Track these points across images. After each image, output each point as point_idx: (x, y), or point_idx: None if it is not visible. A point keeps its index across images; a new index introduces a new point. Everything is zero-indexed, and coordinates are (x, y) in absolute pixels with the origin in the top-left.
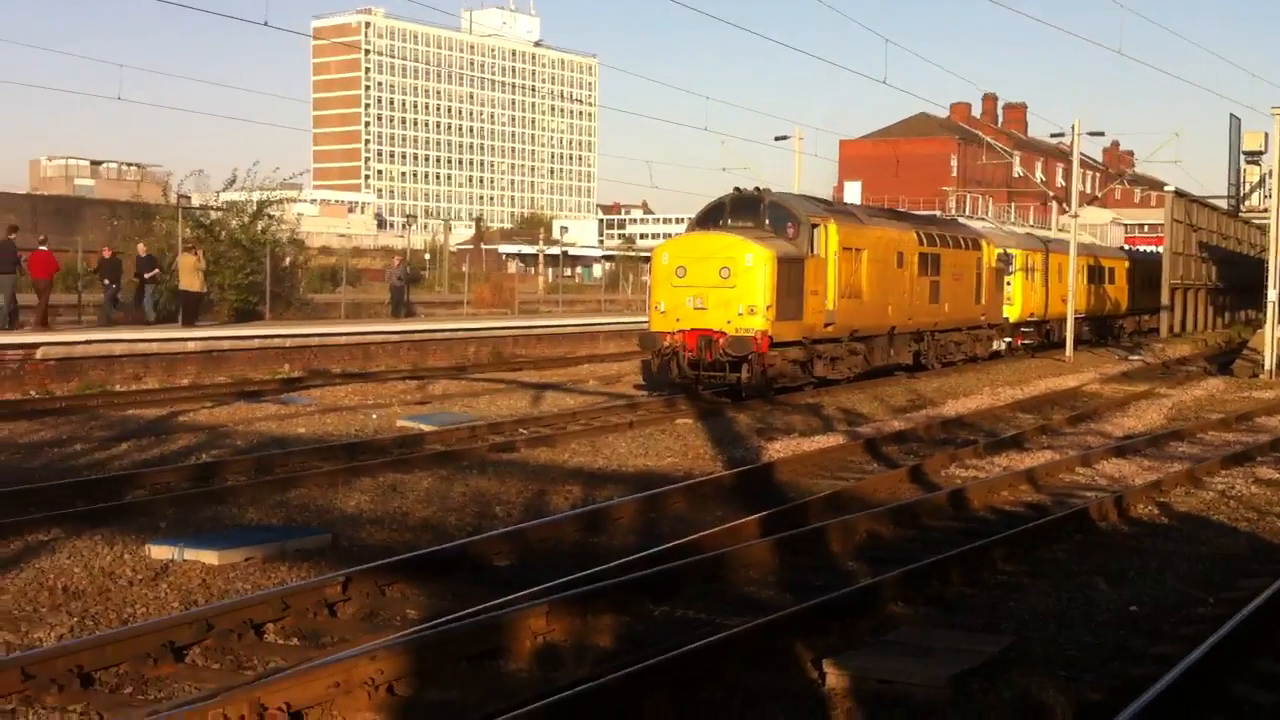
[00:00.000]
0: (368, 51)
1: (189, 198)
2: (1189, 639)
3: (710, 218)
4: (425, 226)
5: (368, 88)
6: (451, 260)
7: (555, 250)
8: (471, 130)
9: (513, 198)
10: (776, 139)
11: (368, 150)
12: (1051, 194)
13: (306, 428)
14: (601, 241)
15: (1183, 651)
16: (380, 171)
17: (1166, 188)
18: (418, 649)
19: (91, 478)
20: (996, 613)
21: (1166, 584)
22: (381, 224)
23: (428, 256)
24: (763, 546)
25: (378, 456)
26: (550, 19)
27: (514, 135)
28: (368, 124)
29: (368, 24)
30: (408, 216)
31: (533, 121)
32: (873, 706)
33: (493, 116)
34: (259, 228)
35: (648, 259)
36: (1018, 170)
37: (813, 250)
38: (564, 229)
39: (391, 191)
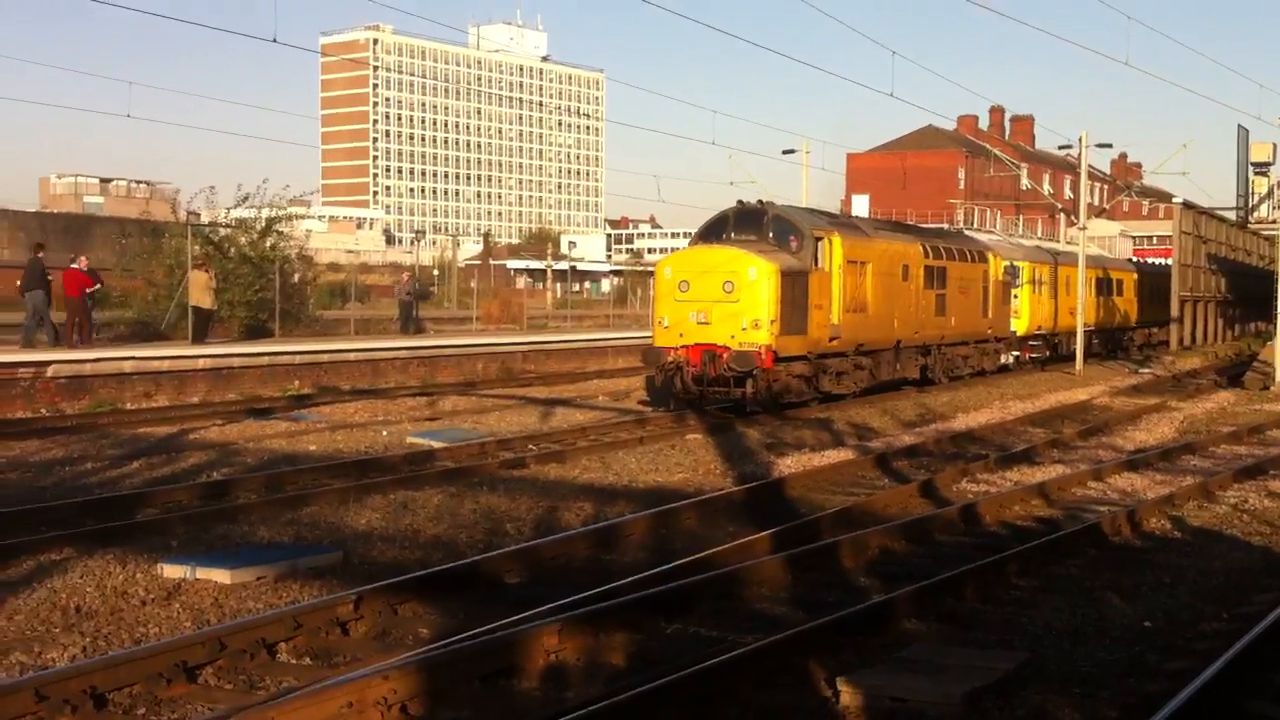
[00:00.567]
0: (376, 68)
1: (198, 215)
2: (1204, 655)
3: (713, 231)
4: (434, 242)
5: (376, 104)
6: (460, 276)
7: (563, 265)
8: (479, 145)
9: (520, 213)
10: (784, 152)
11: (376, 166)
12: (1059, 206)
13: (317, 445)
14: (609, 256)
15: (1198, 667)
16: (388, 187)
17: (1175, 199)
18: (430, 668)
19: (103, 496)
20: (1010, 629)
21: (1180, 599)
22: (390, 240)
23: (436, 272)
24: (775, 563)
25: (388, 473)
26: (557, 34)
27: (521, 150)
28: (376, 140)
29: (375, 40)
30: (416, 232)
31: (540, 136)
32: None
33: (500, 132)
34: (268, 244)
35: (654, 273)
36: (1025, 182)
37: (817, 263)
38: (572, 244)
39: (400, 207)
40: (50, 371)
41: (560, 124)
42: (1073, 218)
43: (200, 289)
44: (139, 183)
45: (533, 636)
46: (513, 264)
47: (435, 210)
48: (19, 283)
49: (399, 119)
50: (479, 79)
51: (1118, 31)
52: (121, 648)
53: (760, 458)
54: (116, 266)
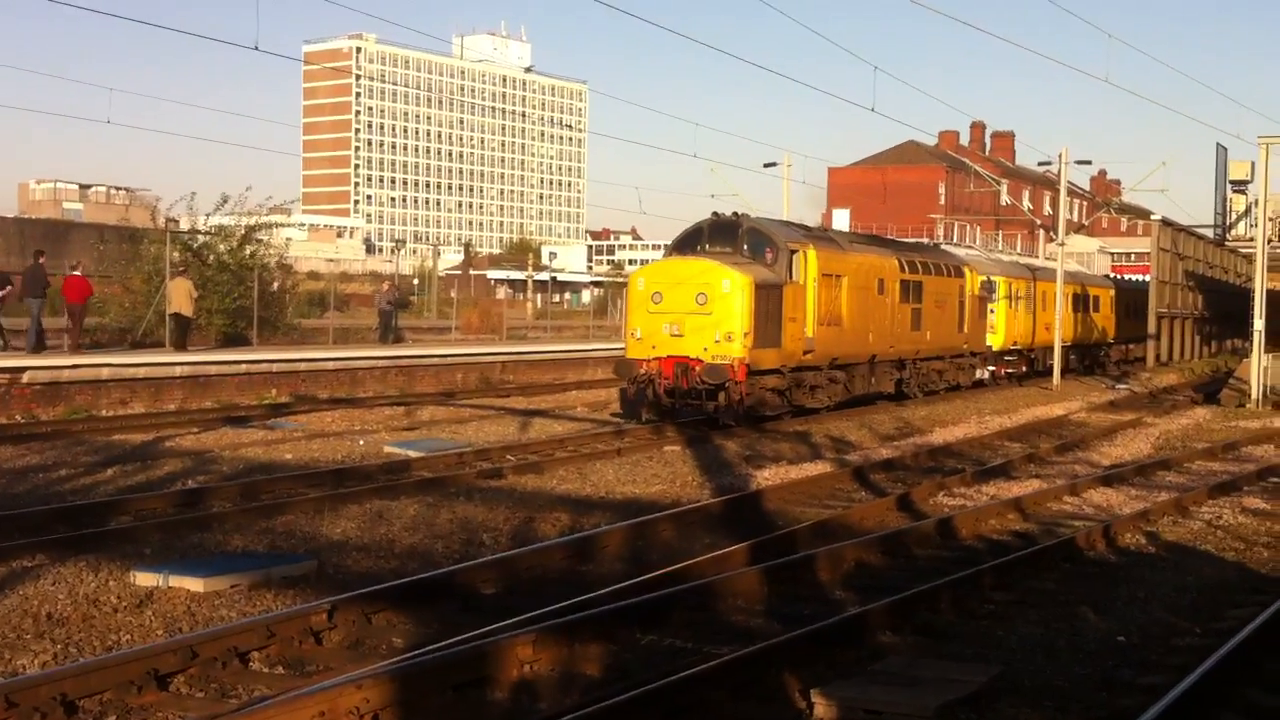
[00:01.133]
0: (358, 77)
1: (177, 221)
2: (1177, 669)
3: (688, 243)
4: (414, 251)
5: (358, 113)
6: (440, 286)
7: (544, 276)
8: (461, 155)
9: (502, 223)
10: (765, 165)
11: (357, 175)
12: (1039, 222)
13: (293, 454)
14: (590, 267)
15: (1171, 682)
16: (370, 196)
17: (1153, 216)
18: (403, 678)
19: (76, 503)
20: (985, 642)
21: (1154, 614)
22: (370, 249)
23: (416, 281)
24: (751, 575)
25: (364, 483)
26: (541, 45)
27: (504, 161)
28: (357, 149)
29: (359, 49)
30: (396, 241)
31: (522, 147)
32: None
33: (483, 142)
34: (247, 252)
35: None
36: (1005, 198)
37: (791, 276)
38: (553, 254)
39: (380, 216)
40: (26, 378)
41: (543, 135)
42: (1052, 233)
43: (183, 296)
44: (119, 189)
45: (507, 647)
46: (493, 274)
47: (416, 220)
48: (14, 287)
49: (381, 128)
50: (462, 89)
51: (1098, 49)
52: (93, 655)
53: (738, 470)
54: (95, 273)
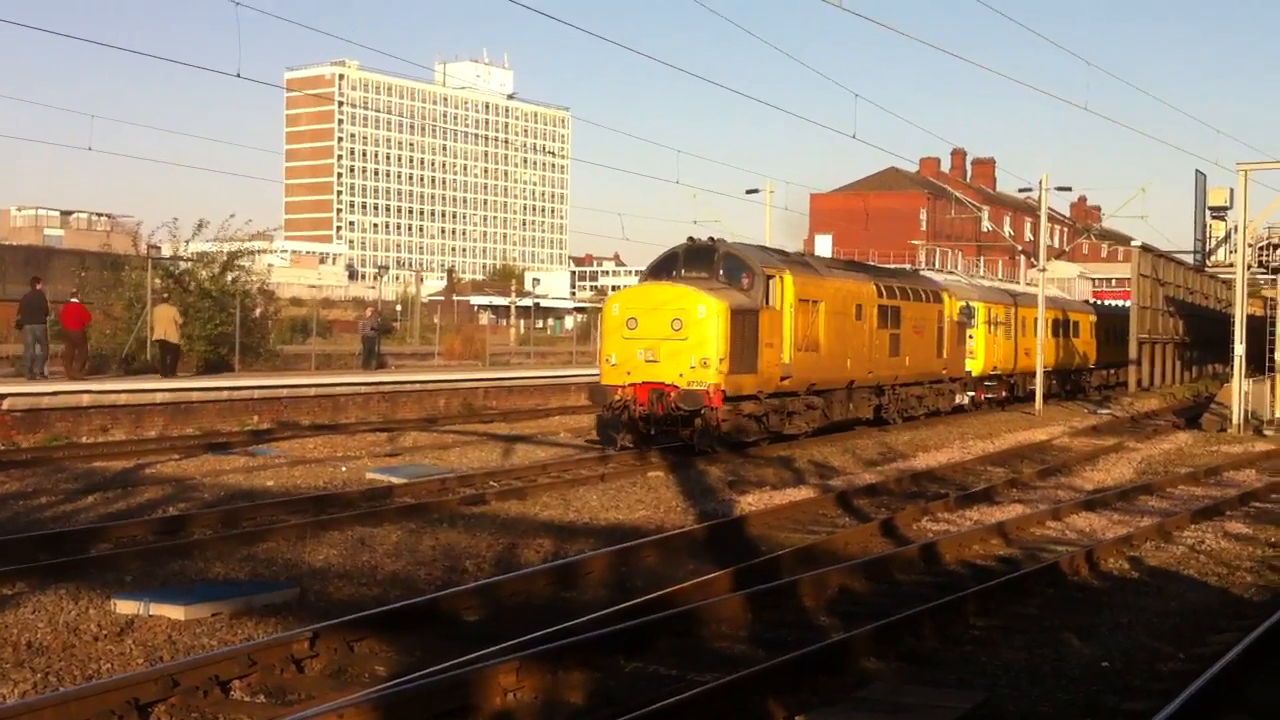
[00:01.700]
0: (341, 103)
1: (159, 248)
2: (1161, 695)
3: (663, 268)
4: (397, 278)
5: (340, 139)
6: (423, 311)
7: (527, 302)
8: (444, 182)
9: (485, 249)
10: (748, 192)
11: (340, 201)
12: (1020, 248)
13: (275, 480)
14: (573, 293)
15: (1155, 708)
16: (352, 223)
17: (1134, 242)
18: (386, 706)
19: (56, 531)
20: (969, 668)
21: (1137, 639)
22: (353, 275)
23: (399, 308)
24: (735, 601)
25: (346, 509)
26: (523, 72)
27: (486, 187)
28: (340, 175)
29: (341, 76)
30: (379, 268)
31: (505, 173)
32: None
33: (465, 168)
34: (229, 278)
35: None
36: (987, 224)
37: (768, 302)
38: (536, 280)
39: (363, 243)
40: (5, 405)
41: (525, 161)
42: (1033, 259)
43: (167, 322)
44: (100, 215)
45: (490, 674)
46: (476, 300)
47: (399, 246)
48: (17, 315)
49: (363, 154)
50: (444, 115)
51: (1078, 77)
52: (73, 684)
53: (721, 495)
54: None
